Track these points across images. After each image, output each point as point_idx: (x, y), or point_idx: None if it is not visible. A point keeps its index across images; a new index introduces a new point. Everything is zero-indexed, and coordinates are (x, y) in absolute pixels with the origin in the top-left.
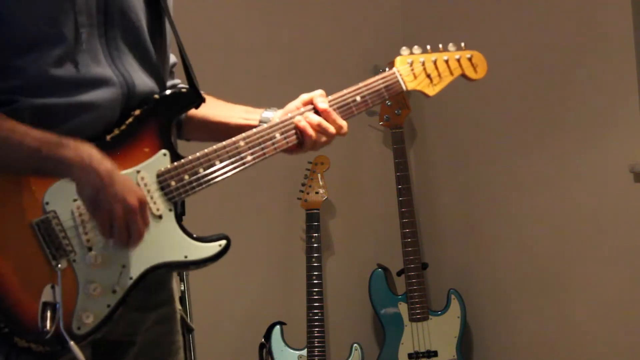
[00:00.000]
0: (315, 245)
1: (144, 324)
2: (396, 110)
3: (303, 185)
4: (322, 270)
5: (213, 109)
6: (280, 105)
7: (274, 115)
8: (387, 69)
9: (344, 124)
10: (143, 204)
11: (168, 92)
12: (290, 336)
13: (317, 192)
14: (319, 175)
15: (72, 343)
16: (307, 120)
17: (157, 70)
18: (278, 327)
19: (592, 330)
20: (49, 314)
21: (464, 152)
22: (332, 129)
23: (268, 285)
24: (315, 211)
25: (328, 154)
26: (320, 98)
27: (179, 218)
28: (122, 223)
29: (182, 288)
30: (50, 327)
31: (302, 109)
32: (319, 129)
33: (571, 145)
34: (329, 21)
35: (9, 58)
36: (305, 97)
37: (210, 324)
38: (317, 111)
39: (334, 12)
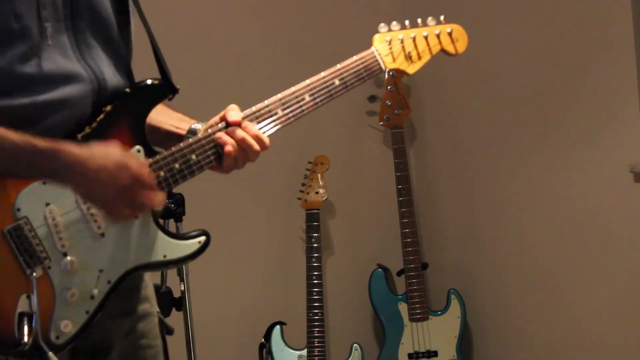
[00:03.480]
0: (315, 245)
1: (120, 330)
2: (396, 110)
3: (303, 185)
4: (322, 270)
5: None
6: None
7: (201, 128)
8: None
9: (265, 138)
10: (139, 182)
11: (140, 84)
12: (290, 336)
13: (317, 192)
14: (319, 175)
15: (50, 354)
16: (227, 137)
17: (126, 64)
18: (278, 327)
19: (592, 330)
20: (26, 325)
21: (464, 152)
22: (255, 146)
23: (268, 285)
24: (315, 211)
25: (328, 154)
26: (232, 112)
27: (156, 217)
28: (125, 205)
29: (182, 288)
30: (28, 339)
31: (219, 126)
32: (242, 145)
33: (571, 145)
34: (328, 20)
35: None
36: (222, 113)
37: (210, 324)
38: (229, 125)
39: (332, 11)
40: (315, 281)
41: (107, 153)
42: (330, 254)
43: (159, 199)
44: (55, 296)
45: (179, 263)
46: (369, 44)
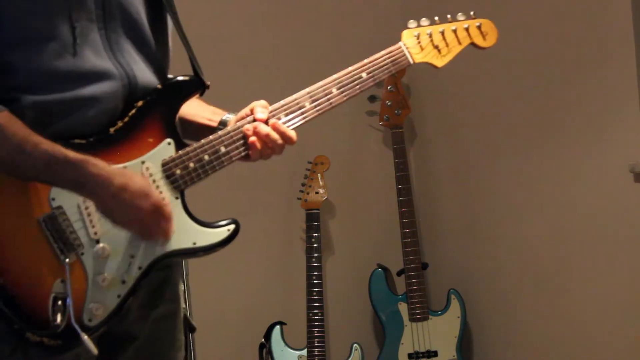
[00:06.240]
0: (315, 245)
1: (147, 320)
2: (396, 110)
3: (303, 185)
4: (322, 270)
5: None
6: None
7: (232, 119)
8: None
9: (291, 133)
10: (157, 212)
11: (171, 81)
12: (290, 336)
13: (317, 192)
14: (319, 175)
15: (83, 335)
16: (255, 131)
17: (159, 63)
18: (278, 327)
19: (592, 330)
20: (59, 308)
21: (464, 152)
22: (279, 141)
23: (268, 285)
24: (315, 211)
25: (328, 154)
26: (259, 108)
27: (185, 205)
28: (140, 232)
29: (182, 288)
30: (61, 320)
31: (247, 119)
32: (266, 140)
33: (571, 145)
34: (329, 18)
35: (4, 55)
36: (252, 104)
37: (210, 324)
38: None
39: (333, 8)
40: (315, 281)
41: (133, 177)
42: (330, 254)
43: (171, 230)
44: (88, 281)
45: (207, 251)
46: (369, 43)
